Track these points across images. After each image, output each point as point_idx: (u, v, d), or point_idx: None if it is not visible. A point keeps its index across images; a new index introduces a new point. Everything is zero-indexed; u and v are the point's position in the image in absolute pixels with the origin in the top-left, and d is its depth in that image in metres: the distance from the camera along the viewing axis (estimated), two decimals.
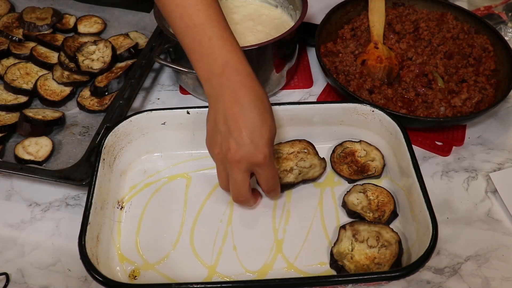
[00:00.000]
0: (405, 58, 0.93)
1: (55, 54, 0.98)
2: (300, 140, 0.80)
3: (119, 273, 0.67)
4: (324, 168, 0.77)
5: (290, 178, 0.76)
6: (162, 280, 0.66)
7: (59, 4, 1.10)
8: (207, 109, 0.76)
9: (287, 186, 0.75)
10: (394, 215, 0.72)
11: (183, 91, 0.96)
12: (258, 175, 0.65)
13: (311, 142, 0.80)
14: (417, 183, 0.67)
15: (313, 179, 0.76)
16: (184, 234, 0.71)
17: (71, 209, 0.77)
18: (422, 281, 0.68)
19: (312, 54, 1.03)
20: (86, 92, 0.92)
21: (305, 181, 0.76)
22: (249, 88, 0.61)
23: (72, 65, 0.94)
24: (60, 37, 1.00)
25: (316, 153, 0.79)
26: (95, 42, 0.97)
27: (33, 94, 0.91)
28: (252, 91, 0.61)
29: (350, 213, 0.72)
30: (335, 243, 0.68)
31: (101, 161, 0.71)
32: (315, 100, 0.94)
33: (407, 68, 0.91)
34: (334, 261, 0.66)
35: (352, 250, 0.67)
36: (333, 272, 0.66)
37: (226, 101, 0.61)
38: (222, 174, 0.66)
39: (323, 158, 0.79)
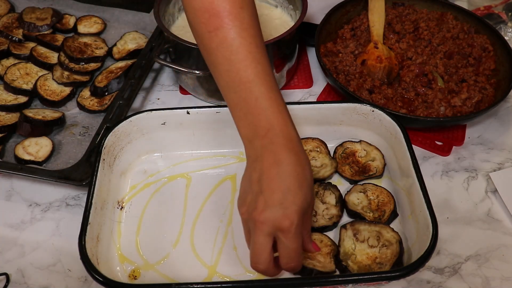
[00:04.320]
0: (405, 58, 0.93)
1: (55, 54, 0.98)
2: (313, 138, 0.80)
3: (119, 273, 0.67)
4: (335, 168, 0.77)
5: None
6: (162, 280, 0.66)
7: (59, 4, 1.10)
8: (208, 109, 0.76)
9: None
10: (394, 215, 0.72)
11: (183, 91, 0.96)
12: (279, 243, 0.57)
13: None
14: (417, 183, 0.67)
15: (323, 179, 0.76)
16: (184, 234, 0.71)
17: (71, 209, 0.77)
18: (422, 281, 0.68)
19: (312, 54, 1.03)
20: (86, 92, 0.92)
21: (315, 180, 0.76)
22: (292, 152, 0.57)
23: (72, 65, 0.94)
24: (60, 37, 1.00)
25: (328, 153, 0.79)
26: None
27: (33, 94, 0.91)
28: (294, 155, 0.57)
29: (351, 213, 0.72)
30: (339, 243, 0.68)
31: (101, 161, 0.71)
32: (315, 100, 0.94)
33: (407, 68, 0.91)
34: (339, 261, 0.66)
35: (354, 250, 0.67)
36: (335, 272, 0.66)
37: (265, 162, 0.57)
38: (245, 233, 0.61)
39: (334, 158, 0.79)
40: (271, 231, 0.56)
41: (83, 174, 0.74)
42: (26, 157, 0.80)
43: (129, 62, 0.96)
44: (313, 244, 0.62)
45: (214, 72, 0.62)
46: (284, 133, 0.58)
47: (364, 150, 0.80)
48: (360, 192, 0.74)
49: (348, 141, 0.81)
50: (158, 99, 0.95)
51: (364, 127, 0.80)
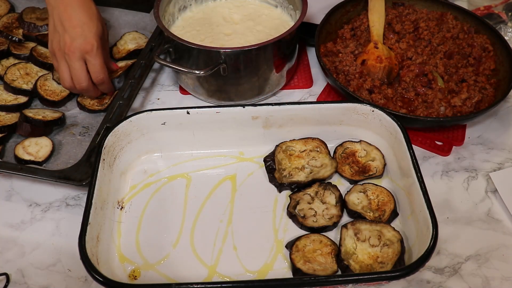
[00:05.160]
0: (405, 58, 0.93)
1: None
2: (313, 138, 0.80)
3: (119, 273, 0.67)
4: (335, 168, 0.77)
5: (301, 176, 0.76)
6: (162, 280, 0.66)
7: None
8: (208, 109, 0.77)
9: (297, 185, 0.75)
10: (394, 214, 0.72)
11: (183, 91, 0.96)
12: (88, 63, 0.80)
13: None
14: (417, 183, 0.67)
15: (323, 179, 0.76)
16: (184, 234, 0.71)
17: (71, 209, 0.77)
18: (422, 281, 0.68)
19: (312, 54, 1.03)
20: None
21: (315, 180, 0.76)
22: None
23: None
24: None
25: (328, 153, 0.79)
26: None
27: (33, 94, 0.91)
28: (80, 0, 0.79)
29: (351, 213, 0.72)
30: (340, 243, 0.68)
31: (101, 161, 0.71)
32: (315, 100, 0.94)
33: (407, 68, 0.91)
34: (340, 261, 0.66)
35: (355, 249, 0.67)
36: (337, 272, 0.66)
37: (60, 7, 0.78)
38: (63, 69, 0.81)
39: (334, 158, 0.79)
40: (80, 56, 0.79)
41: (83, 174, 0.74)
42: (26, 157, 0.80)
43: (129, 62, 0.96)
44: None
45: None
46: None
47: (364, 150, 0.80)
48: (360, 192, 0.74)
49: (348, 141, 0.81)
50: (158, 99, 0.95)
51: (364, 127, 0.80)
